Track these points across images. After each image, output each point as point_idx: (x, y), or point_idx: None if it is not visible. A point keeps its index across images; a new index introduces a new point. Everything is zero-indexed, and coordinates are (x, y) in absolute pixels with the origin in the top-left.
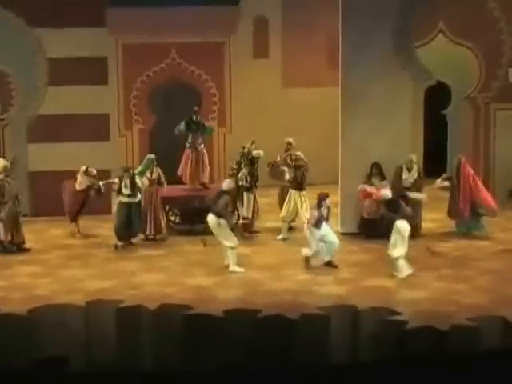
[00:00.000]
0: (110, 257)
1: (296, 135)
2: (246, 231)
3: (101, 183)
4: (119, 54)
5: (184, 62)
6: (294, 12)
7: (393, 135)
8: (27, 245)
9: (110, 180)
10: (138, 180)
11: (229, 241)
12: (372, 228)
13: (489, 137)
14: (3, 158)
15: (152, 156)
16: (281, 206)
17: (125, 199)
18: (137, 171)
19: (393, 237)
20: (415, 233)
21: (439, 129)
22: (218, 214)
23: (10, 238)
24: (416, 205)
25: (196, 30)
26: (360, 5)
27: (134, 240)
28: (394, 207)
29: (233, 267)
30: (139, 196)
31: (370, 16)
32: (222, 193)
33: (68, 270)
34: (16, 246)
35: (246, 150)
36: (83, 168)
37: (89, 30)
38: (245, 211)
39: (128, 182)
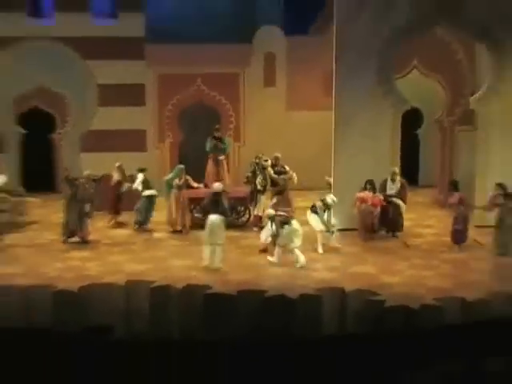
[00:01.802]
0: (144, 245)
1: (296, 149)
2: (256, 226)
3: (127, 184)
4: (155, 81)
5: (207, 88)
6: (296, 50)
7: (376, 151)
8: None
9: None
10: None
11: (222, 239)
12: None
13: (453, 153)
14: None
15: (181, 166)
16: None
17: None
18: (168, 177)
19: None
20: (399, 229)
21: (413, 146)
22: (223, 213)
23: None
24: (397, 209)
25: (217, 63)
26: (350, 45)
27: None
28: None
29: (218, 264)
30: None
31: (358, 54)
32: (219, 194)
33: (112, 255)
34: (81, 239)
35: (258, 161)
36: (117, 164)
37: (131, 62)
38: (257, 210)
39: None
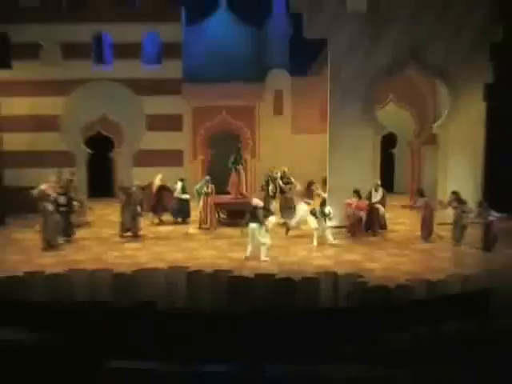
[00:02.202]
0: (181, 238)
1: (299, 164)
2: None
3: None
4: (190, 112)
5: (230, 118)
6: (299, 86)
7: (361, 165)
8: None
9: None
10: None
11: (265, 238)
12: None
13: (420, 167)
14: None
15: (208, 177)
16: (281, 210)
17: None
18: (197, 186)
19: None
20: (382, 227)
21: (389, 161)
22: (260, 222)
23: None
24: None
25: (238, 97)
26: (341, 82)
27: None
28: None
29: (264, 257)
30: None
31: (347, 89)
32: (257, 208)
33: (156, 246)
34: (134, 234)
35: (270, 173)
36: (159, 175)
37: (171, 97)
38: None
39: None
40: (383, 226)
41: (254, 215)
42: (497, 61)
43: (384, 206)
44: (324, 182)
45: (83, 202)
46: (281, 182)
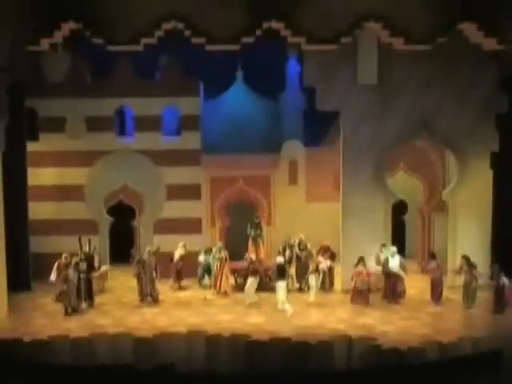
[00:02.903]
0: (199, 303)
1: (314, 231)
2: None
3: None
4: (208, 182)
5: (246, 186)
6: (313, 157)
7: (373, 232)
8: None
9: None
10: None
11: (283, 295)
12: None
13: (430, 232)
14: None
15: (220, 243)
16: (297, 276)
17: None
18: (212, 253)
19: None
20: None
21: (400, 228)
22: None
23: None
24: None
25: (254, 168)
26: (353, 152)
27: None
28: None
29: (285, 309)
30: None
31: (358, 159)
32: (282, 266)
33: (176, 310)
34: (153, 299)
35: (288, 240)
36: (182, 243)
37: (190, 168)
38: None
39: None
40: (402, 294)
41: (281, 272)
42: (503, 129)
43: (405, 272)
44: (324, 249)
45: (103, 268)
46: (297, 249)
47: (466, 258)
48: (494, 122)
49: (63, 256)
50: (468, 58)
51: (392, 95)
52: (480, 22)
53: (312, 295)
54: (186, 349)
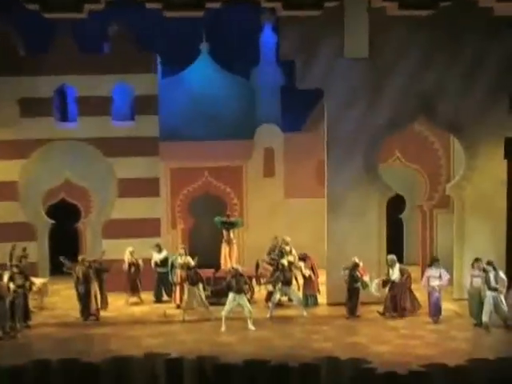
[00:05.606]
0: (158, 320)
1: (294, 232)
2: (267, 300)
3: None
4: (167, 175)
5: (214, 180)
6: (292, 144)
7: (365, 234)
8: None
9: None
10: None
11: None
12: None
13: (432, 233)
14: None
15: (182, 247)
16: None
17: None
18: (172, 258)
19: None
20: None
21: (397, 228)
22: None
23: None
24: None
25: (222, 157)
26: (339, 140)
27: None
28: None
29: (250, 326)
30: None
31: (346, 147)
32: (241, 275)
33: (131, 331)
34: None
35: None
36: (129, 249)
37: (146, 158)
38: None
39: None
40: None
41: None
42: None
43: (410, 284)
44: (303, 259)
45: (41, 281)
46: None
47: (478, 261)
48: (508, 102)
49: None
50: (477, 27)
51: (386, 71)
52: None
53: (302, 308)
54: (143, 376)
